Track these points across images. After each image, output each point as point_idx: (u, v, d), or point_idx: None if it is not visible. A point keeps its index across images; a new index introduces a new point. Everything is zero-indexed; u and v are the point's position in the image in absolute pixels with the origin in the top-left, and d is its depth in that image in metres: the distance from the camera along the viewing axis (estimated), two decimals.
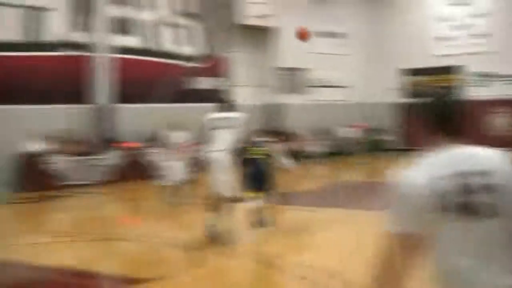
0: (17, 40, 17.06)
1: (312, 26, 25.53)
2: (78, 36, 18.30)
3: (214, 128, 9.00)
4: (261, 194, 9.76)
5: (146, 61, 20.03)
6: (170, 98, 19.67)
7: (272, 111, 23.80)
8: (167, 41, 20.70)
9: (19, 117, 16.69)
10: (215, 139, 8.92)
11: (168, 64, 20.59)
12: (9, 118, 16.59)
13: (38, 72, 17.27)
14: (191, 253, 8.33)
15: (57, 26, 17.86)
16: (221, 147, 8.81)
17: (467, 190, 2.40)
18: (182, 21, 21.15)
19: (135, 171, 17.38)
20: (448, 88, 25.21)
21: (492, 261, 2.40)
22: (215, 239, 8.93)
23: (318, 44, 25.94)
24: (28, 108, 17.00)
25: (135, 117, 19.05)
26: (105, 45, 18.21)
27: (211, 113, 9.20)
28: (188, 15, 21.33)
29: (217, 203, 8.95)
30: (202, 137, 9.26)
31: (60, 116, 17.56)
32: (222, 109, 9.24)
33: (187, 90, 20.52)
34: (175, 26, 20.93)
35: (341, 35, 26.86)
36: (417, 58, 26.68)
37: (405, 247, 2.41)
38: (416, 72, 26.83)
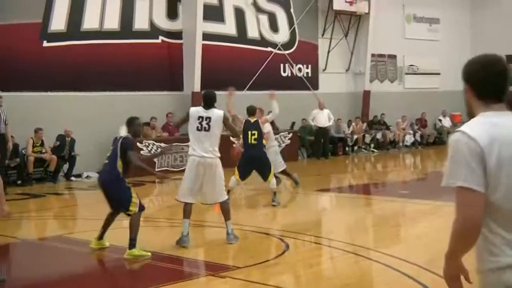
0: (114, 29, 17.53)
1: (405, 11, 24.98)
2: (170, 24, 18.61)
3: None
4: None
5: (234, 47, 20.11)
6: (258, 85, 19.69)
7: (363, 98, 23.36)
8: (255, 28, 20.65)
9: (112, 103, 17.16)
10: None
11: (256, 51, 20.58)
12: (106, 104, 17.08)
13: (132, 59, 17.69)
14: (280, 242, 8.32)
15: (152, 14, 18.24)
16: None
17: None
18: (269, 7, 21.02)
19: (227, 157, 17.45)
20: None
21: None
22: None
23: (411, 30, 25.29)
24: (121, 94, 17.44)
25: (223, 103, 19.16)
26: (197, 32, 18.39)
27: None
28: (275, 0, 21.19)
29: None
30: None
31: (152, 103, 17.93)
32: None
33: (274, 77, 20.36)
34: (263, 12, 20.84)
35: (435, 21, 26.02)
36: None
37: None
38: None
